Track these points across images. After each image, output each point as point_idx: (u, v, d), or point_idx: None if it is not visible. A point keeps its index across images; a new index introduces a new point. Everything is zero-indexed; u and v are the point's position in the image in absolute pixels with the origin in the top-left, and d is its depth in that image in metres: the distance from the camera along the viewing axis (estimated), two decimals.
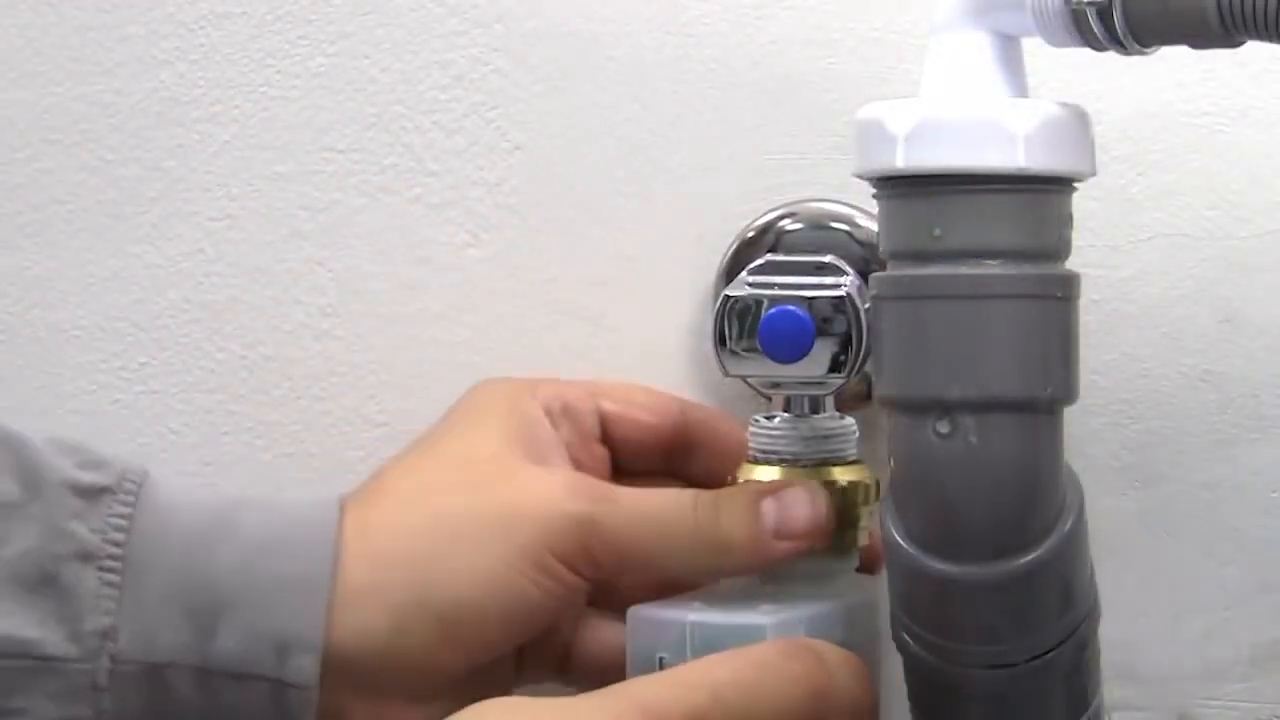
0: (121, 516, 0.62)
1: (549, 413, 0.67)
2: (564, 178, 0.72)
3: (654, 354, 0.72)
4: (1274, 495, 0.70)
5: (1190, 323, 0.70)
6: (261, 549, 0.62)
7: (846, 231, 0.69)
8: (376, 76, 0.73)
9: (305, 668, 0.61)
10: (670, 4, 0.71)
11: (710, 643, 0.60)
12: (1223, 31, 0.53)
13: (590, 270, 0.73)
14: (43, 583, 0.61)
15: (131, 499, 0.63)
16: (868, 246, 0.67)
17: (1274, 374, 0.69)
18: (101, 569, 0.61)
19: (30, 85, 0.74)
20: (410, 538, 0.63)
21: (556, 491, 0.63)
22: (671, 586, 0.65)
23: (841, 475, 0.64)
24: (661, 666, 0.61)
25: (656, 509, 0.63)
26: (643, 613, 0.62)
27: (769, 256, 0.65)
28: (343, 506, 0.65)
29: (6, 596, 0.61)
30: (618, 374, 0.72)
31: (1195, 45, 0.54)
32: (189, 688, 0.61)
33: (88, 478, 0.63)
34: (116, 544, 0.62)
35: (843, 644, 0.61)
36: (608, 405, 0.69)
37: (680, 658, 0.60)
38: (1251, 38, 0.53)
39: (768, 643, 0.59)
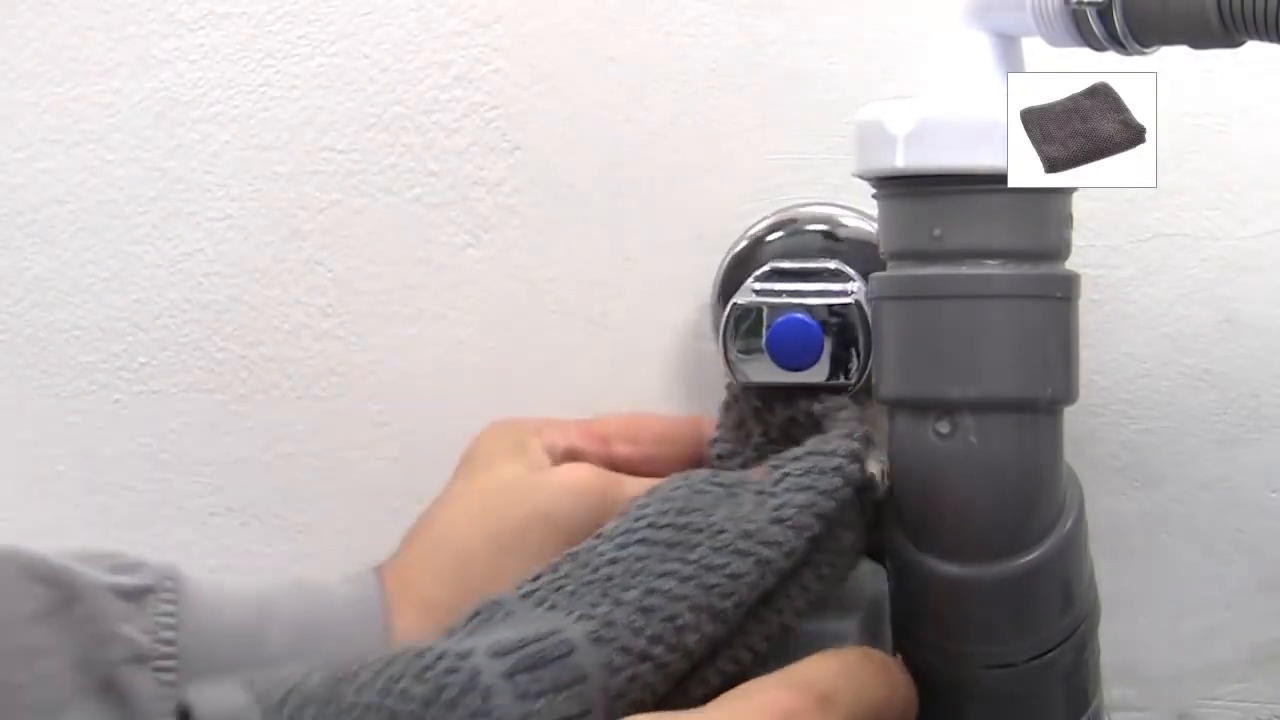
0: (168, 614, 0.61)
1: (551, 454, 0.67)
2: (564, 178, 0.72)
3: (654, 354, 0.72)
4: (1274, 495, 0.70)
5: (1190, 323, 0.70)
6: (308, 630, 0.62)
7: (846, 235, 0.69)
8: (376, 76, 0.73)
9: None
10: (670, 4, 0.71)
11: (791, 650, 0.59)
12: (1223, 31, 0.53)
13: (590, 270, 0.73)
14: (100, 689, 0.60)
15: (173, 595, 0.61)
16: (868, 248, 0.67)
17: (1274, 374, 0.69)
18: (157, 669, 0.60)
19: (30, 85, 0.74)
20: (442, 579, 0.63)
21: (566, 478, 0.64)
22: None
23: None
24: None
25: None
26: None
27: (774, 263, 0.65)
28: (385, 581, 0.64)
29: (68, 705, 0.59)
30: (618, 374, 0.72)
31: (1195, 45, 0.55)
32: None
33: (128, 580, 0.61)
34: (168, 641, 0.60)
35: (884, 635, 0.62)
36: (620, 449, 0.68)
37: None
38: (1251, 38, 0.53)
39: (859, 651, 0.59)
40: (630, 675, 0.55)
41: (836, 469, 0.59)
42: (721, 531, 0.57)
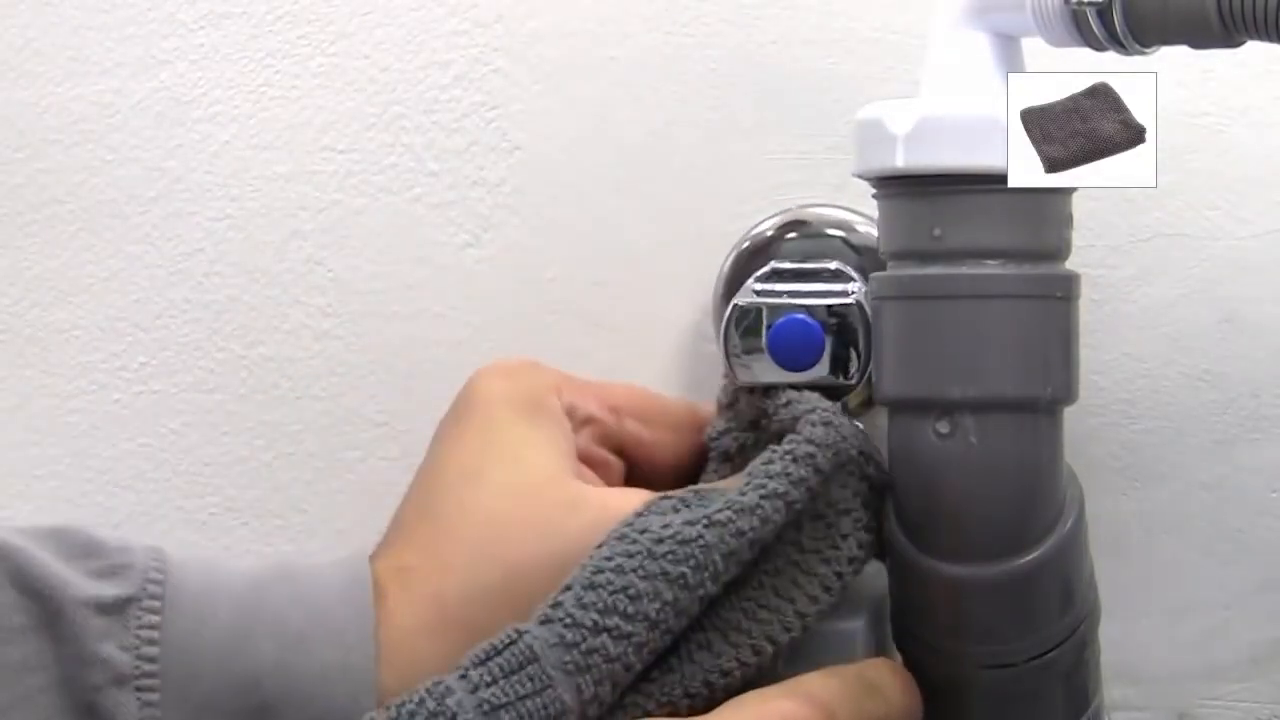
0: (151, 627, 0.58)
1: (571, 418, 0.64)
2: (564, 178, 0.72)
3: (654, 354, 0.72)
4: (1274, 495, 0.70)
5: (1190, 323, 0.70)
6: (299, 640, 0.58)
7: (843, 237, 0.69)
8: (376, 76, 0.73)
9: None
10: (670, 4, 0.71)
11: (800, 651, 0.59)
12: (1223, 31, 0.53)
13: (590, 270, 0.73)
14: (82, 712, 0.57)
15: (157, 603, 0.58)
16: (865, 252, 0.67)
17: (1274, 374, 0.69)
18: (139, 689, 0.58)
19: (30, 85, 0.74)
20: (485, 599, 0.59)
21: (614, 513, 0.59)
22: None
23: None
24: None
25: None
26: None
27: (774, 264, 0.65)
28: (379, 574, 0.60)
29: None
30: (618, 375, 0.72)
31: (1195, 45, 0.55)
32: None
33: (109, 591, 0.58)
34: (150, 659, 0.58)
35: (886, 632, 0.62)
36: (631, 427, 0.66)
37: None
38: (1251, 38, 0.53)
39: (855, 670, 0.59)
40: (587, 649, 0.54)
41: (798, 456, 0.58)
42: (673, 523, 0.57)
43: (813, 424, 0.59)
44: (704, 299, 0.71)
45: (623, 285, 0.72)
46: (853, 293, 0.63)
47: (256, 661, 0.58)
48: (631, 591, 0.55)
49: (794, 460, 0.58)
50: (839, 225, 0.69)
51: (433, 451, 0.64)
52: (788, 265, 0.65)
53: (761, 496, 0.57)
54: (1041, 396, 0.57)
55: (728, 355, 0.63)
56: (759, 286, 0.64)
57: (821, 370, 0.62)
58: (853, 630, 0.60)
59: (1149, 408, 0.70)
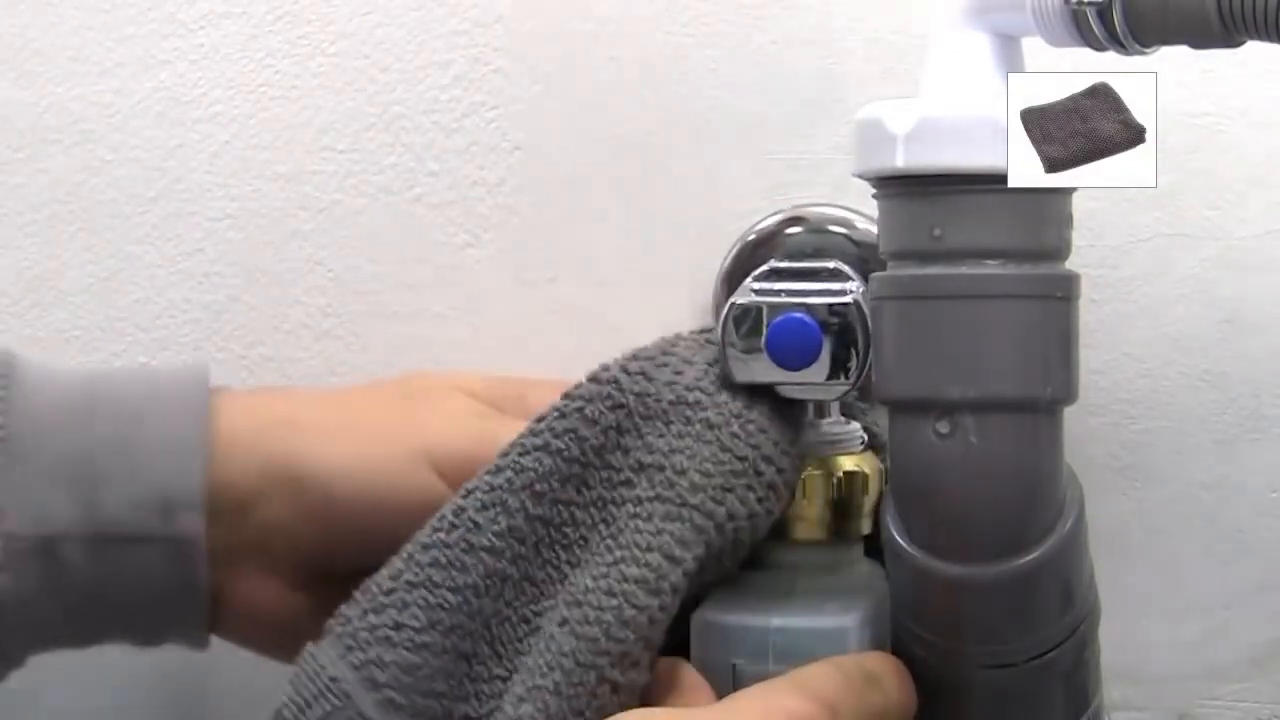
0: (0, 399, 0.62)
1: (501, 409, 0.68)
2: (564, 178, 0.72)
3: None
4: (1274, 495, 0.70)
5: (1190, 323, 0.70)
6: (136, 415, 0.63)
7: (844, 234, 0.69)
8: (376, 76, 0.73)
9: (191, 523, 0.62)
10: (670, 4, 0.71)
11: (793, 648, 0.59)
12: (1223, 31, 0.53)
13: (590, 270, 0.73)
14: None
15: (4, 379, 0.62)
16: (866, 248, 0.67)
17: (1274, 374, 0.69)
18: None
19: (30, 85, 0.74)
20: (303, 409, 0.65)
21: (467, 407, 0.66)
22: None
23: (844, 464, 0.64)
24: (735, 673, 0.60)
25: None
26: (713, 618, 0.61)
27: (773, 263, 0.65)
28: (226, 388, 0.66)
29: None
30: None
31: (1195, 45, 0.55)
32: (82, 557, 0.61)
33: None
34: None
35: (885, 634, 0.62)
36: None
37: (761, 664, 0.60)
38: (1251, 38, 0.53)
39: (855, 660, 0.59)
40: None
41: (565, 411, 0.61)
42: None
43: (592, 379, 0.62)
44: (704, 299, 0.71)
45: (623, 285, 0.72)
46: (851, 292, 0.62)
47: (95, 433, 0.62)
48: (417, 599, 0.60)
49: (560, 415, 0.61)
50: (840, 223, 0.69)
51: None
52: (786, 264, 0.65)
53: (518, 453, 0.61)
54: (1041, 396, 0.57)
55: (724, 353, 0.63)
56: (757, 285, 0.64)
57: (820, 369, 0.62)
58: (844, 627, 0.60)
59: (1149, 408, 0.70)
